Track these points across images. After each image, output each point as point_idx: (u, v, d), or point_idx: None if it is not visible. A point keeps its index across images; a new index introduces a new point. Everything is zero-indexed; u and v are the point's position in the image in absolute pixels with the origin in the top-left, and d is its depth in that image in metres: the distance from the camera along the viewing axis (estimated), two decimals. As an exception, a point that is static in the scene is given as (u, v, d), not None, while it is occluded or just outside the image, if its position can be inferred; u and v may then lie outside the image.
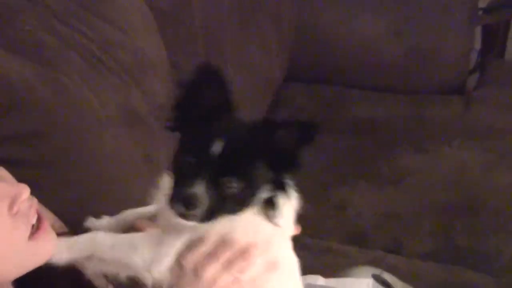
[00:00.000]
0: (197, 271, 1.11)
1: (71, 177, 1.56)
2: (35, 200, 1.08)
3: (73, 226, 1.52)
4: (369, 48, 2.81)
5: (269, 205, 1.09)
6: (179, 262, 1.12)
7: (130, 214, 1.31)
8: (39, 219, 1.08)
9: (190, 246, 1.12)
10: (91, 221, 1.31)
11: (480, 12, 3.10)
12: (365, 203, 2.24)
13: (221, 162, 1.03)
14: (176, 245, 1.12)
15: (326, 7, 2.83)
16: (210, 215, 1.05)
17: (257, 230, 1.13)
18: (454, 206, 2.19)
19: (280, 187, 1.08)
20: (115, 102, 1.72)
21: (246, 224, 1.11)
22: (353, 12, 2.82)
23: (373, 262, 1.90)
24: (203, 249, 1.11)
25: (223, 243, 1.12)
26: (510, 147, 2.42)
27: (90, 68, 1.68)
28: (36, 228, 1.06)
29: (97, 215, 1.62)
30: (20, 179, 1.10)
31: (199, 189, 1.03)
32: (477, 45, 3.52)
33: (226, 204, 1.05)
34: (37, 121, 1.49)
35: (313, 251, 2.03)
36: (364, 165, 2.39)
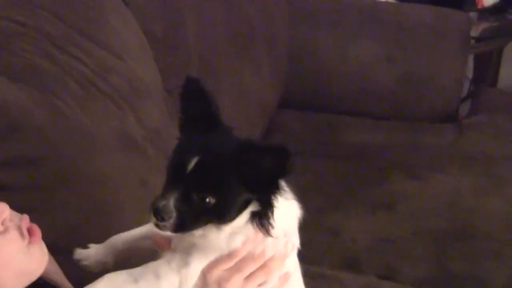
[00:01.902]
0: (220, 284, 1.15)
1: (66, 202, 1.56)
2: (26, 217, 1.10)
3: (69, 253, 1.52)
4: (362, 74, 2.83)
5: (262, 217, 1.11)
6: (203, 275, 1.15)
7: (117, 239, 1.33)
8: (31, 232, 1.09)
9: (217, 261, 1.15)
10: (79, 253, 1.32)
11: (472, 41, 3.13)
12: (359, 228, 2.24)
13: (194, 177, 1.06)
14: (203, 263, 1.15)
15: (319, 34, 2.86)
16: (181, 227, 1.08)
17: (275, 244, 1.17)
18: (448, 232, 2.20)
19: (266, 202, 1.10)
20: (110, 127, 1.72)
21: (270, 240, 1.14)
22: (346, 39, 2.85)
23: (366, 288, 1.90)
24: (230, 264, 1.15)
25: (246, 257, 1.16)
26: (502, 173, 2.43)
27: (86, 93, 1.69)
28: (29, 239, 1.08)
29: (93, 241, 1.62)
30: (14, 204, 1.10)
31: (169, 202, 1.07)
32: (469, 73, 3.55)
33: (199, 217, 1.08)
34: (33, 146, 1.49)
35: (306, 277, 2.02)
36: (357, 191, 2.39)
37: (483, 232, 2.19)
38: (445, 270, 2.08)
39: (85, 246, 1.35)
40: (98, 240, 1.63)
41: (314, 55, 2.85)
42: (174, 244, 1.17)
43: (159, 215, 1.07)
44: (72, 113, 1.60)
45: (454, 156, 2.55)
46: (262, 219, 1.10)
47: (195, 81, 1.14)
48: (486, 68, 3.65)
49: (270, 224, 1.10)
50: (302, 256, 2.04)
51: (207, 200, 1.06)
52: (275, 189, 1.09)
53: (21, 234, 1.08)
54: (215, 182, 1.07)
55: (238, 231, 1.13)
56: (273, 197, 1.09)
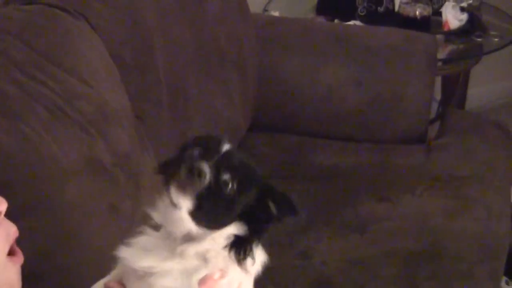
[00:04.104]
0: None
1: (34, 229, 1.55)
2: (16, 229, 1.08)
3: (38, 279, 1.50)
4: (331, 97, 2.84)
5: (240, 247, 1.08)
6: None
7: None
8: (15, 252, 1.08)
9: None
10: None
11: (440, 63, 3.16)
12: (329, 251, 2.24)
13: (226, 159, 1.04)
14: None
15: (288, 58, 2.87)
16: (207, 198, 1.03)
17: (238, 279, 1.13)
18: (418, 253, 2.20)
19: (258, 229, 1.08)
20: (78, 152, 1.71)
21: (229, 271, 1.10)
22: (315, 62, 2.86)
23: (338, 311, 1.90)
24: None
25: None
26: (471, 194, 2.45)
27: (53, 119, 1.67)
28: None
29: (65, 267, 1.61)
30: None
31: (205, 165, 1.02)
32: (438, 95, 3.60)
33: (215, 202, 1.04)
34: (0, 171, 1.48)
35: (279, 301, 2.02)
36: (328, 213, 2.39)
37: (453, 252, 2.20)
38: (417, 291, 2.09)
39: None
40: (70, 266, 1.62)
41: (283, 79, 2.86)
42: None
43: (196, 169, 1.01)
44: (40, 139, 1.59)
45: (423, 177, 2.57)
46: (243, 247, 1.07)
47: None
48: (454, 89, 3.69)
49: (251, 256, 1.08)
50: (274, 280, 2.04)
51: (230, 186, 1.03)
52: (264, 231, 1.08)
53: (7, 239, 1.06)
54: (244, 173, 1.05)
55: (213, 254, 1.09)
56: (266, 229, 1.08)
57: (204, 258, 1.09)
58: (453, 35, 3.35)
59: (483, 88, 4.14)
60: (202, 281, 1.08)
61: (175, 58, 2.28)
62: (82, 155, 1.72)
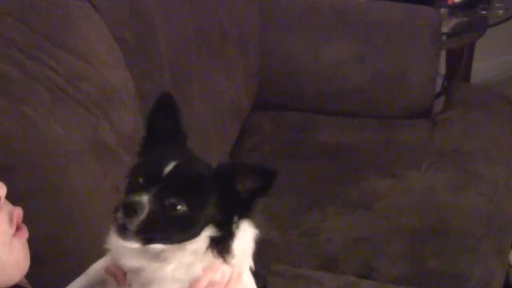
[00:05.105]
0: None
1: (40, 211, 1.54)
2: (19, 209, 1.08)
3: (42, 262, 1.51)
4: (334, 74, 2.83)
5: (220, 245, 1.09)
6: None
7: (97, 266, 1.28)
8: (20, 226, 1.08)
9: None
10: None
11: (444, 37, 3.14)
12: (335, 228, 2.24)
13: (170, 181, 1.04)
14: None
15: (290, 35, 2.85)
16: (149, 230, 1.04)
17: (230, 268, 1.14)
18: (423, 229, 2.21)
19: (226, 228, 1.08)
20: (82, 134, 1.71)
21: (221, 264, 1.12)
22: (318, 39, 2.85)
23: (345, 288, 1.90)
24: None
25: (207, 286, 1.12)
26: (477, 169, 2.44)
27: (56, 100, 1.67)
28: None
29: (70, 249, 1.61)
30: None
31: (143, 199, 1.03)
32: (442, 69, 3.58)
33: (167, 224, 1.05)
34: (2, 155, 1.48)
35: (284, 278, 2.03)
36: (333, 190, 2.39)
37: (459, 228, 2.20)
38: (422, 267, 2.09)
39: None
40: (75, 249, 1.63)
41: (286, 57, 2.85)
42: (130, 279, 1.13)
43: (130, 209, 1.02)
44: (43, 121, 1.58)
45: (428, 152, 2.56)
46: (221, 246, 1.08)
47: (169, 96, 1.14)
48: (459, 63, 3.67)
49: (229, 252, 1.09)
50: (281, 257, 2.05)
51: (179, 207, 1.04)
52: (248, 209, 1.08)
53: (10, 220, 1.06)
54: (191, 190, 1.05)
55: (199, 258, 1.10)
56: (233, 224, 1.08)
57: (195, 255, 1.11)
58: (457, 8, 3.33)
59: (488, 61, 4.11)
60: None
61: (176, 39, 2.27)
62: (85, 136, 1.71)
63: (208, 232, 1.08)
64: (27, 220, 1.51)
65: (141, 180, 1.07)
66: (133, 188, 1.07)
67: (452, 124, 2.73)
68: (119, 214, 1.04)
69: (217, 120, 2.49)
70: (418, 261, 2.11)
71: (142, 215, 1.02)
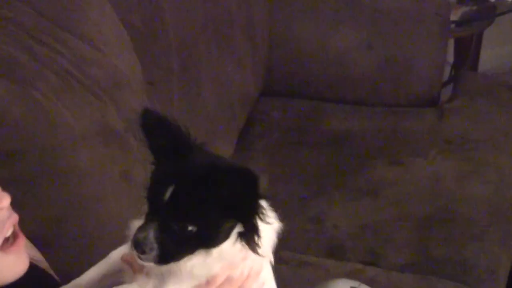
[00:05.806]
0: None
1: (48, 195, 1.56)
2: (15, 216, 1.08)
3: (51, 246, 1.52)
4: (342, 61, 2.83)
5: (248, 237, 1.08)
6: None
7: (116, 254, 1.25)
8: (15, 236, 1.07)
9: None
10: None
11: (453, 25, 3.13)
12: (341, 215, 2.25)
13: (171, 207, 1.03)
14: None
15: (298, 22, 2.85)
16: (165, 258, 1.05)
17: (249, 265, 1.13)
18: (430, 217, 2.21)
19: (249, 224, 1.07)
20: (90, 119, 1.71)
21: (241, 262, 1.11)
22: (325, 26, 2.84)
23: (351, 275, 1.90)
24: None
25: (224, 282, 1.12)
26: (483, 157, 2.44)
27: (64, 85, 1.67)
28: (10, 244, 1.06)
29: (78, 233, 1.62)
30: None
31: (149, 234, 1.03)
32: (450, 57, 3.56)
33: (183, 246, 1.05)
34: (11, 139, 1.48)
35: (290, 265, 2.04)
36: (340, 178, 2.40)
37: (465, 216, 2.20)
38: (428, 254, 2.10)
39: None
40: (83, 233, 1.63)
41: (293, 43, 2.85)
42: (148, 268, 1.12)
43: (139, 248, 1.03)
44: (51, 106, 1.59)
45: (435, 140, 2.56)
46: (249, 239, 1.07)
47: (151, 112, 1.11)
48: (467, 52, 3.66)
49: (257, 244, 1.07)
50: (287, 244, 2.05)
51: (189, 228, 1.03)
52: (254, 210, 1.06)
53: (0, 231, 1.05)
54: (193, 210, 1.04)
55: (225, 255, 1.09)
56: (255, 219, 1.06)
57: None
58: (466, -4, 3.32)
59: (496, 50, 4.10)
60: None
61: (184, 24, 2.27)
62: (94, 122, 1.72)
63: (237, 229, 1.07)
64: (36, 203, 1.52)
65: (145, 208, 1.07)
66: (146, 215, 1.07)
67: (459, 112, 2.72)
68: (133, 251, 1.05)
69: (225, 106, 2.49)
70: (424, 249, 2.11)
71: (154, 251, 1.03)
